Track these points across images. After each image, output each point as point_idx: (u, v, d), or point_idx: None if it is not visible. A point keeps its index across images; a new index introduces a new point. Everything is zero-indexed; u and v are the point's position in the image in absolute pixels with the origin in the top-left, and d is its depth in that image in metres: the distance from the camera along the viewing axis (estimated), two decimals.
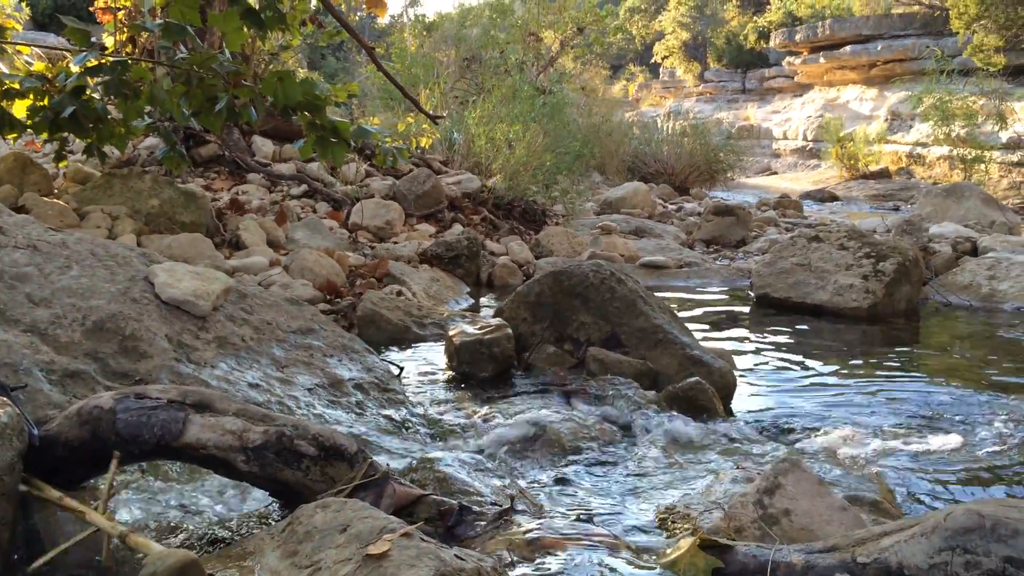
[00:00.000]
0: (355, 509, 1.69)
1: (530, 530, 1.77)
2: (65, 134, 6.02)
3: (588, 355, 4.71)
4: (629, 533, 2.81)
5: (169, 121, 6.76)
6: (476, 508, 1.99)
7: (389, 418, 3.84)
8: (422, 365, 4.90)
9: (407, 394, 4.22)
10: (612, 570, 1.61)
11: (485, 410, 4.11)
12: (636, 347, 4.74)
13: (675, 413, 4.15)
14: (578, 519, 1.87)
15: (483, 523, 1.92)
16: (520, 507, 2.02)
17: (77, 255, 3.77)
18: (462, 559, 1.51)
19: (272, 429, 2.09)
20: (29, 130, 5.88)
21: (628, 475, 3.48)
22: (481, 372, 4.60)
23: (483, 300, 7.49)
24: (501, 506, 2.01)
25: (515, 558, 1.66)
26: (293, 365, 3.97)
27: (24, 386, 2.50)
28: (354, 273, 6.83)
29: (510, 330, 4.73)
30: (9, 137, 5.87)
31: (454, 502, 2.01)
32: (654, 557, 1.75)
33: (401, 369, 4.57)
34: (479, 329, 4.75)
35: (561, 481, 3.32)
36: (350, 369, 4.15)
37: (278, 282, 5.99)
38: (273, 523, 2.27)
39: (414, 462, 2.70)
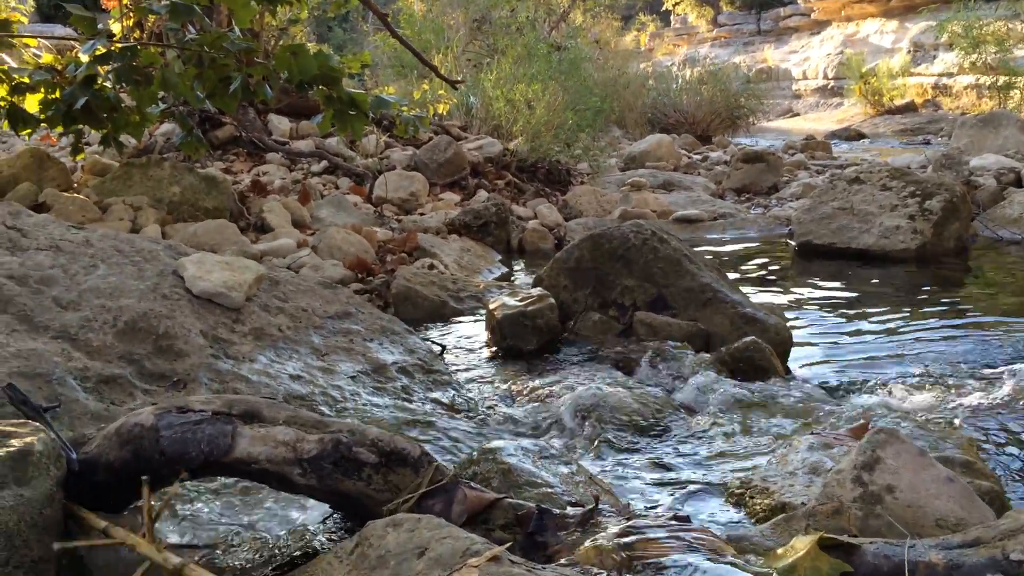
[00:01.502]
0: (431, 527, 1.53)
1: (621, 534, 1.60)
2: (80, 126, 5.86)
3: (635, 320, 4.53)
4: (707, 515, 2.64)
5: (184, 106, 6.59)
6: (556, 510, 1.83)
7: (437, 402, 3.69)
8: (464, 342, 4.74)
9: (452, 374, 4.07)
10: (718, 572, 1.45)
11: (534, 385, 3.95)
12: (685, 308, 4.55)
13: (733, 376, 3.97)
14: (674, 517, 1.70)
15: (567, 528, 1.76)
16: (605, 506, 1.86)
17: (102, 253, 3.62)
18: None
19: (327, 437, 1.93)
20: (43, 125, 5.73)
21: (691, 446, 3.31)
22: (526, 345, 4.43)
23: (515, 267, 7.31)
24: (584, 506, 1.85)
25: (608, 570, 1.50)
26: (334, 352, 3.82)
27: (58, 405, 2.36)
28: (383, 249, 6.67)
29: (553, 300, 4.55)
30: (23, 133, 5.72)
31: (532, 505, 1.85)
32: (761, 559, 1.58)
33: (443, 348, 4.41)
34: (520, 300, 4.57)
35: (622, 458, 3.16)
36: (392, 352, 4.00)
37: (308, 264, 5.84)
38: (336, 537, 2.12)
39: (474, 453, 2.54)
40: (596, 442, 3.28)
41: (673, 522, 1.64)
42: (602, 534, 1.64)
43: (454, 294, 5.49)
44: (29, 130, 5.68)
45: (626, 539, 1.57)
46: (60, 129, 5.78)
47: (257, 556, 2.09)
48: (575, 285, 4.77)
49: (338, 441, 1.93)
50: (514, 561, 1.42)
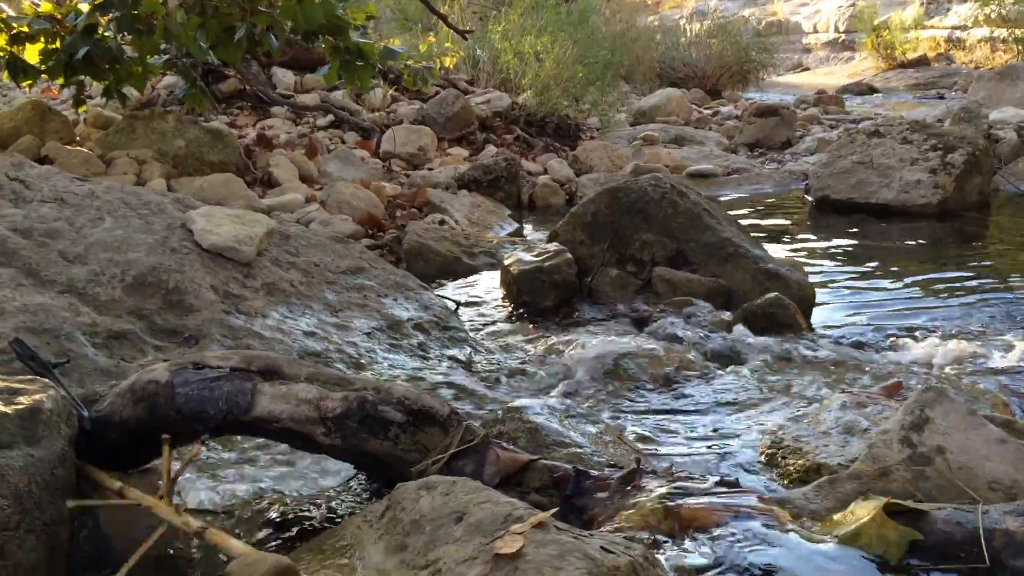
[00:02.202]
0: (468, 490, 1.44)
1: (664, 497, 1.51)
2: (82, 77, 5.72)
3: (654, 276, 4.42)
4: (737, 476, 2.55)
5: (187, 58, 6.43)
6: (594, 472, 1.74)
7: (454, 359, 3.60)
8: (478, 298, 4.64)
9: (468, 331, 3.97)
10: (777, 546, 1.36)
11: (553, 343, 3.86)
12: (705, 264, 4.44)
13: (755, 333, 3.88)
14: (721, 482, 1.61)
15: (606, 491, 1.67)
16: (645, 468, 1.77)
17: (108, 206, 3.51)
18: (611, 552, 1.25)
19: (352, 395, 1.84)
20: (44, 76, 5.59)
21: (716, 404, 3.22)
22: (542, 302, 4.33)
23: (526, 223, 7.19)
24: (620, 468, 1.75)
25: (655, 536, 1.41)
26: (347, 308, 3.72)
27: (67, 360, 2.26)
28: (393, 204, 6.54)
29: (570, 255, 4.44)
30: (24, 84, 5.59)
31: (568, 467, 1.75)
32: (816, 525, 1.49)
33: (458, 304, 4.31)
34: (536, 256, 4.46)
35: (646, 417, 3.08)
36: (407, 308, 3.90)
37: (317, 219, 5.72)
38: (362, 499, 2.03)
39: (499, 412, 2.45)
40: (618, 400, 3.19)
41: (721, 487, 1.55)
42: (645, 498, 1.55)
43: (467, 250, 5.38)
44: (30, 81, 5.54)
45: (672, 504, 1.48)
46: (61, 81, 5.64)
47: (279, 519, 2.01)
48: (592, 240, 4.65)
49: (363, 399, 1.83)
50: (560, 528, 1.33)
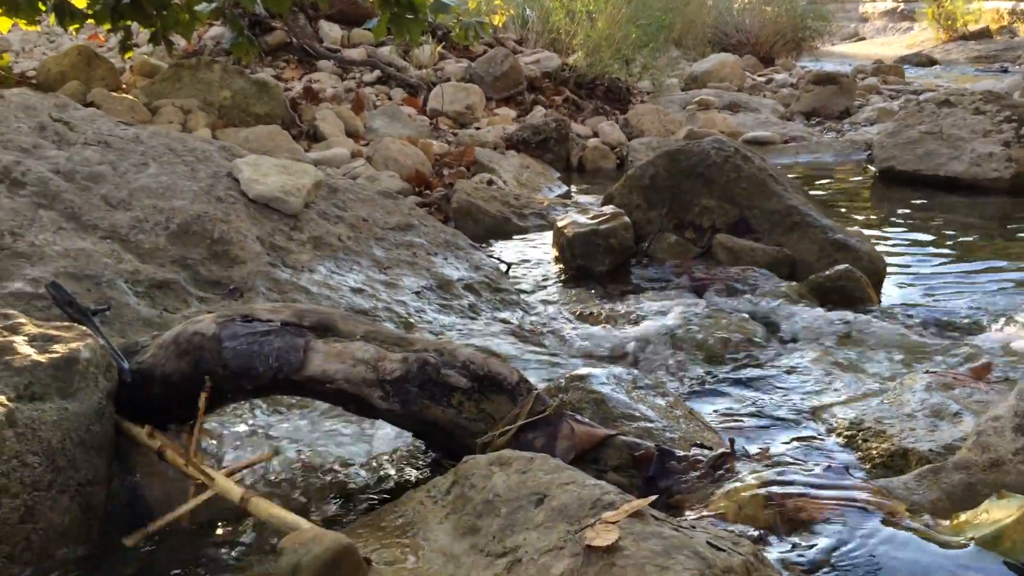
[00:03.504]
0: (548, 469, 1.28)
1: (763, 484, 1.35)
2: (128, 23, 5.59)
3: (715, 243, 4.21)
4: (814, 459, 2.37)
5: (235, 7, 6.28)
6: (680, 452, 1.57)
7: (506, 322, 3.44)
8: (529, 260, 4.47)
9: (519, 294, 3.81)
10: (900, 546, 1.18)
11: (608, 309, 3.68)
12: (769, 233, 4.22)
13: (823, 306, 3.67)
14: (829, 468, 1.44)
15: (694, 474, 1.50)
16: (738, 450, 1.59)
17: (153, 151, 3.37)
18: (721, 549, 1.09)
19: (412, 356, 1.68)
20: (90, 20, 5.47)
21: (783, 380, 3.03)
22: (597, 266, 4.15)
23: (575, 187, 6.99)
24: (710, 449, 1.58)
25: (761, 531, 1.25)
26: (396, 266, 3.57)
27: (107, 308, 2.13)
28: (440, 162, 6.38)
29: (627, 218, 4.24)
30: (71, 29, 5.47)
31: (650, 444, 1.59)
32: (941, 524, 1.32)
33: (509, 266, 4.15)
34: (592, 219, 4.27)
35: (710, 391, 2.90)
36: (457, 268, 3.74)
37: (363, 174, 5.57)
38: (420, 468, 1.88)
39: (560, 380, 2.29)
40: (680, 373, 3.02)
41: (828, 473, 1.38)
42: (740, 484, 1.39)
43: (517, 210, 5.20)
44: (76, 25, 5.42)
45: (773, 492, 1.31)
46: (108, 26, 5.52)
47: (331, 487, 1.87)
48: (649, 204, 4.45)
49: (425, 361, 1.67)
50: (658, 517, 1.17)
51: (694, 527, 1.17)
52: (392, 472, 1.89)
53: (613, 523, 1.14)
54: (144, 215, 3.02)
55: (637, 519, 1.15)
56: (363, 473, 1.92)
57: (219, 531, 1.65)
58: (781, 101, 10.28)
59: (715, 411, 2.60)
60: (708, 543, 1.11)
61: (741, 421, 2.58)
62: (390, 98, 8.04)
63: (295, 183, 3.50)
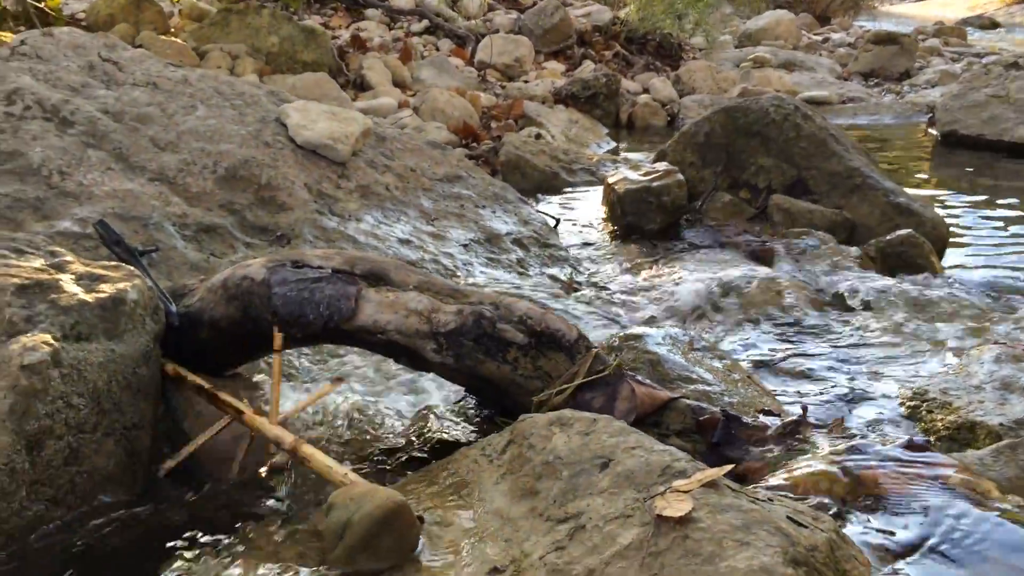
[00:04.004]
0: (613, 432, 1.21)
1: (839, 456, 1.27)
2: None
3: (770, 204, 4.09)
4: (875, 429, 2.28)
5: None
6: (748, 418, 1.49)
7: (554, 278, 3.36)
8: (578, 216, 4.37)
9: (568, 250, 3.73)
10: (992, 528, 1.10)
11: (659, 268, 3.59)
12: (827, 194, 4.08)
13: (883, 272, 3.54)
14: (909, 444, 1.35)
15: (763, 442, 1.42)
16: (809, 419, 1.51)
17: (201, 93, 3.32)
18: (803, 525, 1.02)
19: (468, 309, 1.61)
20: None
21: (842, 346, 2.93)
22: (647, 224, 4.04)
23: (623, 143, 6.85)
24: (777, 415, 1.50)
25: (839, 505, 1.17)
26: (444, 218, 3.50)
27: (155, 249, 2.08)
28: (487, 114, 6.27)
29: (681, 176, 4.12)
30: None
31: (716, 409, 1.51)
32: None
33: (557, 221, 4.06)
34: (644, 176, 4.16)
35: (767, 356, 2.80)
36: (506, 222, 3.66)
37: (410, 125, 5.49)
38: (474, 422, 1.82)
39: (615, 339, 2.21)
40: (735, 336, 2.93)
41: (907, 450, 1.29)
42: (813, 455, 1.31)
43: (566, 165, 5.10)
44: None
45: (850, 464, 1.23)
46: None
47: (379, 440, 1.82)
48: (703, 162, 4.32)
49: (480, 314, 1.60)
50: (733, 488, 1.09)
51: (771, 500, 1.10)
52: (443, 427, 1.84)
53: (685, 492, 1.07)
54: (192, 158, 2.97)
55: (711, 489, 1.08)
56: (413, 427, 1.87)
57: (265, 481, 1.61)
58: (838, 60, 9.99)
59: (772, 376, 2.51)
60: (789, 518, 1.03)
61: (798, 388, 2.49)
62: (437, 49, 7.92)
63: (343, 130, 3.43)
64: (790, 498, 1.18)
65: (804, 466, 1.30)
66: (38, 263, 1.64)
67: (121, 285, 1.64)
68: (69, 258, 1.73)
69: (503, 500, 1.24)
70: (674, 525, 1.03)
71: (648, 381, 1.61)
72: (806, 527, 1.02)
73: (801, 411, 1.54)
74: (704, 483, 1.08)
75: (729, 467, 1.13)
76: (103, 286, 1.63)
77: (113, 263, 1.77)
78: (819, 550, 0.99)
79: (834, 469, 1.25)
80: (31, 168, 2.64)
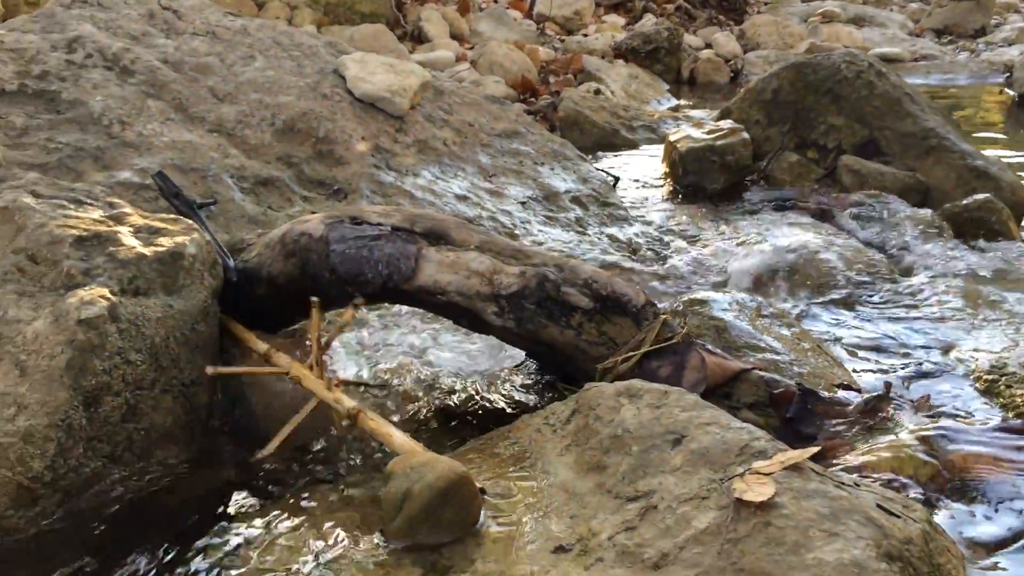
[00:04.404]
0: (686, 406, 1.15)
1: (927, 437, 1.19)
2: None
3: (840, 165, 3.94)
4: (951, 404, 2.18)
5: None
6: (825, 393, 1.42)
7: (614, 238, 3.29)
8: (637, 175, 4.27)
9: (628, 209, 3.64)
10: None
11: (722, 230, 3.48)
12: (900, 156, 3.92)
13: (958, 238, 3.40)
14: (1004, 427, 1.27)
15: (842, 418, 1.35)
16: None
17: (260, 44, 3.28)
18: (894, 514, 0.95)
19: (531, 271, 1.55)
20: None
21: (914, 316, 2.81)
22: (710, 184, 3.93)
23: (684, 100, 6.68)
24: (857, 391, 1.42)
25: (928, 490, 1.09)
26: (502, 174, 3.43)
27: (214, 201, 2.05)
28: (546, 69, 6.15)
29: (747, 134, 3.99)
30: None
31: (791, 383, 1.44)
32: None
33: (616, 179, 3.97)
34: (708, 134, 4.04)
35: (835, 324, 2.71)
36: (564, 179, 3.58)
37: (467, 79, 5.40)
38: (535, 388, 1.77)
39: (678, 304, 2.14)
40: (802, 303, 2.83)
41: (1000, 432, 1.21)
42: (897, 435, 1.23)
43: (626, 122, 4.98)
44: None
45: (939, 446, 1.16)
46: None
47: (435, 404, 1.78)
48: (770, 120, 4.18)
49: (544, 277, 1.55)
50: (817, 472, 1.03)
51: (858, 484, 1.03)
52: (502, 393, 1.79)
53: (767, 475, 1.01)
54: (250, 110, 2.93)
55: (795, 473, 1.02)
56: (471, 392, 1.82)
57: (323, 444, 1.58)
58: (910, 16, 9.62)
59: (842, 347, 2.42)
60: (879, 506, 0.97)
61: (868, 360, 2.40)
62: (496, 1, 7.79)
63: (402, 83, 3.37)
64: (869, 480, 1.11)
65: (886, 446, 1.23)
66: (97, 214, 1.62)
67: (180, 239, 1.61)
68: (128, 210, 1.71)
69: (568, 473, 1.19)
70: (755, 510, 0.97)
71: (718, 350, 1.54)
72: (898, 516, 0.96)
73: (884, 387, 1.46)
74: (787, 466, 1.02)
75: (814, 449, 1.06)
76: (161, 239, 1.60)
77: (172, 216, 1.74)
78: (914, 543, 0.93)
79: (920, 451, 1.17)
80: (92, 117, 2.63)
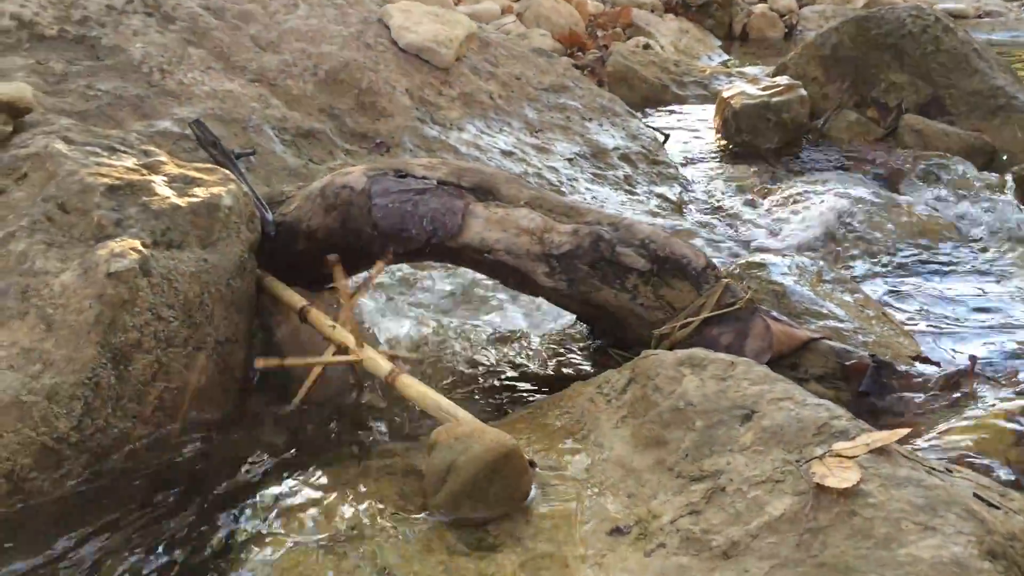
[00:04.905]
0: (756, 378, 1.05)
1: (1010, 414, 1.09)
2: None
3: (901, 124, 3.77)
4: None
5: None
6: (902, 366, 1.32)
7: (663, 198, 3.17)
8: (688, 132, 4.13)
9: (679, 168, 3.51)
10: None
11: (777, 190, 3.35)
12: (966, 115, 3.74)
13: None
14: None
15: (921, 393, 1.25)
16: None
17: None
18: (992, 505, 0.85)
19: (584, 229, 1.46)
20: None
21: (984, 286, 2.67)
22: (764, 142, 3.79)
23: (736, 56, 6.48)
24: (937, 364, 1.32)
25: (1008, 469, 1.00)
26: (548, 130, 3.32)
27: (253, 152, 1.98)
28: (593, 23, 5.98)
29: (804, 91, 3.83)
30: None
31: (864, 354, 1.33)
32: None
33: (666, 137, 3.83)
34: (763, 90, 3.88)
35: (903, 291, 2.58)
36: (613, 136, 3.46)
37: (513, 32, 5.26)
38: (585, 353, 1.68)
39: (733, 266, 2.03)
40: (864, 267, 2.71)
41: None
42: (983, 411, 1.13)
43: (676, 78, 4.82)
44: None
45: None
46: None
47: (479, 370, 1.70)
48: (828, 77, 4.01)
49: (598, 236, 1.45)
50: (905, 456, 0.93)
51: (950, 471, 0.93)
52: (551, 358, 1.70)
53: (850, 457, 0.91)
54: (292, 59, 2.85)
55: (882, 456, 0.92)
56: (517, 357, 1.74)
57: (361, 410, 1.51)
58: None
59: (905, 315, 2.30)
60: (976, 496, 0.87)
61: (936, 328, 2.27)
62: None
63: (447, 33, 3.26)
64: (946, 460, 1.01)
65: (970, 424, 1.13)
66: (130, 162, 1.55)
67: (216, 190, 1.54)
68: (163, 158, 1.64)
69: (624, 448, 1.10)
70: (837, 498, 0.88)
71: (784, 317, 1.43)
72: (998, 508, 0.86)
73: (969, 360, 1.35)
74: (872, 448, 0.92)
75: (904, 431, 0.96)
76: (197, 190, 1.53)
77: (208, 165, 1.67)
78: (1018, 539, 0.83)
79: (1010, 429, 1.07)
80: (132, 64, 2.56)
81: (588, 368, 1.63)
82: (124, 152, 1.59)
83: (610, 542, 0.98)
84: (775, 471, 0.94)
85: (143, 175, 1.52)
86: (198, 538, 1.23)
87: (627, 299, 1.46)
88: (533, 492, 1.10)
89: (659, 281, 1.44)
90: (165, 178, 1.55)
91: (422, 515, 1.10)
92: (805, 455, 0.94)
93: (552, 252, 1.46)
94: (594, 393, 1.24)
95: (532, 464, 1.13)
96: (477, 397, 1.58)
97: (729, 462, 0.98)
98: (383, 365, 1.35)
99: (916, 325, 2.29)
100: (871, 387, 1.29)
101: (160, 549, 1.22)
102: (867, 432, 0.95)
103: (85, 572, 1.20)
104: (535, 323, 1.86)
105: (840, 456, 0.92)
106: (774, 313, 1.43)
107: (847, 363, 1.32)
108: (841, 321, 1.88)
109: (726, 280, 1.45)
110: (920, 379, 1.29)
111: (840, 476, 0.89)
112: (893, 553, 0.81)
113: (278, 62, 2.81)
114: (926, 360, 1.48)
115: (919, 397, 1.25)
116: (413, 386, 1.31)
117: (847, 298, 2.06)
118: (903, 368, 1.32)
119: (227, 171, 1.62)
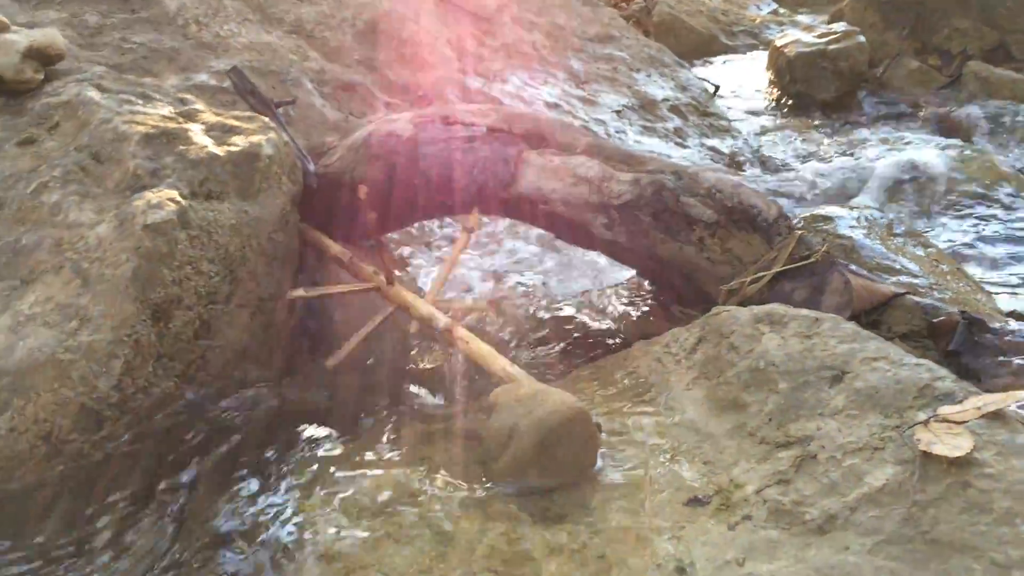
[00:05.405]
0: (844, 336, 0.96)
1: None
2: None
3: (965, 72, 3.59)
4: None
5: None
6: (996, 323, 1.21)
7: (715, 150, 3.05)
8: (739, 83, 3.99)
9: (730, 120, 3.38)
10: None
11: (835, 142, 3.21)
12: None
13: None
14: None
15: (1015, 353, 1.14)
16: None
17: None
18: None
19: (645, 178, 1.36)
20: None
21: None
22: (820, 93, 3.64)
23: (787, 4, 6.24)
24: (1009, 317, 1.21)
25: None
26: (595, 81, 3.20)
27: (292, 101, 1.90)
28: None
29: (863, 38, 3.67)
30: None
31: (953, 310, 1.23)
32: None
33: (717, 88, 3.70)
34: (819, 38, 3.72)
35: (971, 246, 2.45)
36: (662, 87, 3.33)
37: None
38: (644, 308, 1.59)
39: (798, 220, 1.92)
40: (931, 220, 2.58)
41: None
42: None
43: (725, 27, 4.65)
44: None
45: None
46: None
47: (538, 326, 1.62)
48: (886, 24, 3.84)
49: (661, 185, 1.35)
50: None
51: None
52: (611, 315, 1.61)
53: (958, 422, 0.82)
54: (330, 10, 2.75)
55: (997, 421, 0.83)
56: (577, 313, 1.65)
57: (414, 367, 1.44)
58: None
59: (980, 270, 2.18)
60: None
61: (1009, 284, 2.15)
62: None
63: None
64: None
65: None
66: (166, 110, 1.48)
67: (255, 138, 1.46)
68: (199, 106, 1.56)
69: (698, 411, 1.02)
70: (948, 467, 0.79)
71: (864, 272, 1.33)
72: None
73: None
74: (985, 413, 0.83)
75: (1022, 393, 0.86)
76: (235, 139, 1.45)
77: (247, 114, 1.59)
78: None
79: None
80: (167, 16, 2.49)
81: (651, 326, 1.54)
82: (159, 100, 1.52)
83: (688, 513, 0.90)
84: (873, 437, 0.85)
85: (179, 123, 1.44)
86: (247, 502, 1.17)
87: (692, 252, 1.36)
88: (601, 458, 1.02)
89: (727, 233, 1.34)
90: (203, 126, 1.47)
91: (480, 482, 1.03)
92: (907, 420, 0.85)
93: (612, 202, 1.37)
94: (661, 352, 1.15)
95: (598, 426, 1.05)
96: (535, 355, 1.50)
97: (819, 427, 0.90)
98: (440, 318, 1.28)
99: (992, 281, 2.17)
100: (961, 345, 1.18)
101: (208, 513, 1.16)
102: (976, 395, 0.86)
103: (127, 537, 1.14)
104: (593, 279, 1.77)
105: (948, 421, 0.82)
106: (853, 267, 1.33)
107: (935, 320, 1.22)
108: (915, 276, 1.77)
109: (800, 231, 1.35)
110: (1014, 337, 1.19)
111: (950, 443, 0.80)
112: (1017, 530, 0.72)
113: (316, 13, 2.72)
114: (1021, 317, 1.37)
115: (1014, 357, 1.14)
116: (470, 342, 1.23)
117: (919, 252, 1.94)
118: (997, 325, 1.21)
119: (267, 119, 1.55)
